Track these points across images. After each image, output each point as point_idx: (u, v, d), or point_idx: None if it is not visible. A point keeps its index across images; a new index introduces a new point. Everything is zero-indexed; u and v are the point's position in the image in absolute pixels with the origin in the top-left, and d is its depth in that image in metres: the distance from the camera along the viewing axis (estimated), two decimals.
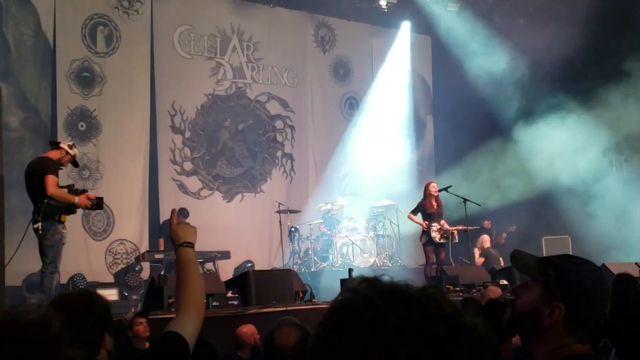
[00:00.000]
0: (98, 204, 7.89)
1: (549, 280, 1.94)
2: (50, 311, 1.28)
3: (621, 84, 12.70)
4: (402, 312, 1.09)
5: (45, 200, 7.39)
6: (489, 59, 14.65)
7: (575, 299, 1.91)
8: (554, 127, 13.47)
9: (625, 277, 4.88)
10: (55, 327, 1.26)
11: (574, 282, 1.92)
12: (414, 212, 11.09)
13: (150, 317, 6.56)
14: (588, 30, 12.90)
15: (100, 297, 2.55)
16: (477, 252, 13.73)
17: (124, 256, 12.55)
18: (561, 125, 13.40)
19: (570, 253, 12.27)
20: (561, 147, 13.27)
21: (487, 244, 13.84)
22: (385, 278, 1.17)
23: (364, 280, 1.17)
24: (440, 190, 11.17)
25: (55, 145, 8.02)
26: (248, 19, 14.54)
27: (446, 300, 1.14)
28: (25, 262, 9.13)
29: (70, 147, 7.97)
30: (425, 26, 16.24)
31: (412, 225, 11.64)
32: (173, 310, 7.31)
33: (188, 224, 2.56)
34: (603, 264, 10.12)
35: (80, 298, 2.46)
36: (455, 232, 11.02)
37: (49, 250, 7.47)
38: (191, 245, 2.46)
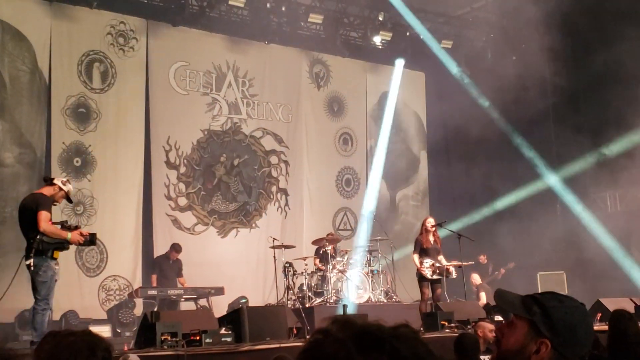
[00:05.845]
0: (91, 240, 7.85)
1: (535, 318, 1.96)
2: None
3: None
4: (374, 356, 1.08)
5: (38, 237, 7.35)
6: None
7: (561, 336, 1.93)
8: None
9: (623, 314, 4.85)
10: None
11: (559, 319, 1.94)
12: (415, 249, 11.00)
13: (142, 354, 6.47)
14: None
15: (103, 339, 2.53)
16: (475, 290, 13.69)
17: (117, 292, 12.45)
18: None
19: (566, 289, 12.30)
20: None
21: (478, 281, 13.78)
22: (357, 319, 1.15)
23: (335, 321, 1.14)
24: (434, 226, 11.13)
25: (49, 181, 8.00)
26: (243, 55, 14.65)
27: (418, 340, 1.13)
28: (17, 298, 9.07)
29: (64, 182, 7.95)
30: (419, 62, 16.39)
31: (407, 261, 11.58)
32: (166, 347, 7.24)
33: None
34: (598, 300, 10.08)
35: (84, 338, 2.43)
36: (450, 268, 10.94)
37: (41, 286, 7.40)
38: None
